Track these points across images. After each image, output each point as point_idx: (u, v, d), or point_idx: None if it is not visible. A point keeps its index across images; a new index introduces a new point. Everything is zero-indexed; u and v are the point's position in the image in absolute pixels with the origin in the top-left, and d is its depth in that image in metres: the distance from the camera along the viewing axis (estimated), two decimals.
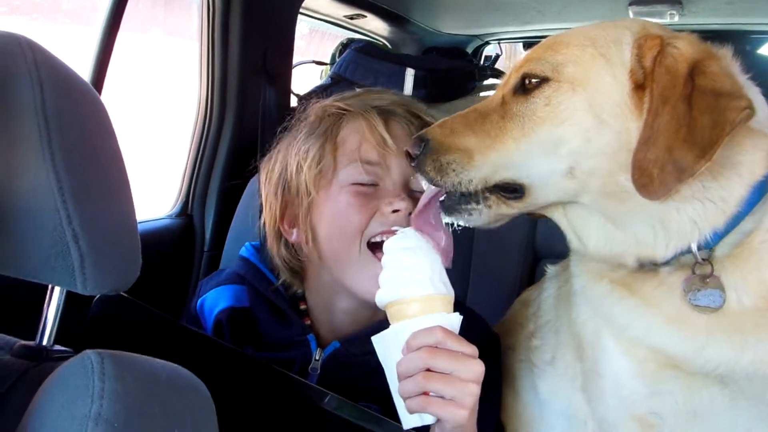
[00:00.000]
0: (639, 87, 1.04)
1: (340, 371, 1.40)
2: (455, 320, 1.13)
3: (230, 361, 1.34)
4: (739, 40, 3.21)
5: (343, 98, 1.49)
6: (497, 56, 3.68)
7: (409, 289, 1.13)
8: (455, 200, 1.14)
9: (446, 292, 1.15)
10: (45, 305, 0.97)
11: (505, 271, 2.20)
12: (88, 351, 0.81)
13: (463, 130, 1.13)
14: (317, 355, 1.41)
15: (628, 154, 1.02)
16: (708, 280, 1.07)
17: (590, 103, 1.05)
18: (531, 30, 3.49)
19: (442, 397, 1.07)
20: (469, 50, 3.60)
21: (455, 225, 1.18)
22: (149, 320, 1.44)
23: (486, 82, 2.93)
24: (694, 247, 1.06)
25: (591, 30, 1.13)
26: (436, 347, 1.07)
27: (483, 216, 1.14)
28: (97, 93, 0.96)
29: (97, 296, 1.39)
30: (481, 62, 3.63)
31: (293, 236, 1.45)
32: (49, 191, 0.84)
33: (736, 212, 1.05)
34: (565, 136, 1.06)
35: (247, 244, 1.59)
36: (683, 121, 0.98)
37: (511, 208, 1.14)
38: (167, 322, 1.43)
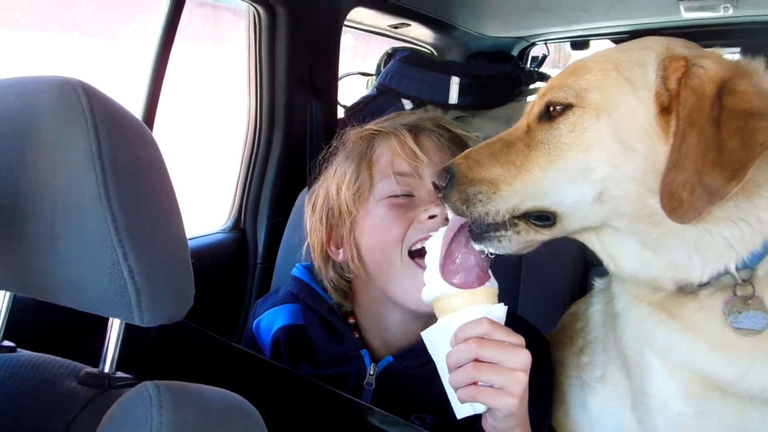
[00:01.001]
0: (665, 110, 1.02)
1: (395, 384, 1.44)
2: (500, 311, 1.15)
3: (285, 382, 1.38)
4: None
5: (375, 123, 1.55)
6: (544, 57, 3.62)
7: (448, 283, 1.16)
8: (483, 228, 1.13)
9: (489, 284, 1.17)
10: (107, 334, 1.02)
11: (556, 280, 2.17)
12: (147, 383, 0.84)
13: (488, 161, 1.12)
14: (371, 369, 1.45)
15: (657, 178, 1.00)
16: (749, 301, 1.04)
17: (616, 129, 1.04)
18: (578, 29, 3.43)
19: (491, 387, 1.10)
20: (515, 52, 3.56)
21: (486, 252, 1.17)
22: (206, 343, 1.50)
23: (533, 86, 2.90)
24: (732, 268, 1.03)
25: (614, 53, 1.11)
26: (483, 338, 1.10)
27: (513, 243, 1.13)
28: (149, 131, 1.00)
29: None
30: (528, 64, 3.58)
31: (340, 256, 1.50)
32: (106, 231, 0.87)
33: None
34: (592, 162, 1.04)
35: (298, 265, 1.64)
36: (712, 143, 0.96)
37: (541, 235, 1.13)
38: (223, 345, 1.48)
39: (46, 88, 0.90)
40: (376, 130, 1.51)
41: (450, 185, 1.13)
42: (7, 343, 1.11)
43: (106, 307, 0.93)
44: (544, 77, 2.87)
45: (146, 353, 1.43)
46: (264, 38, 2.36)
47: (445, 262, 1.17)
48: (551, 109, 1.10)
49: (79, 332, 1.27)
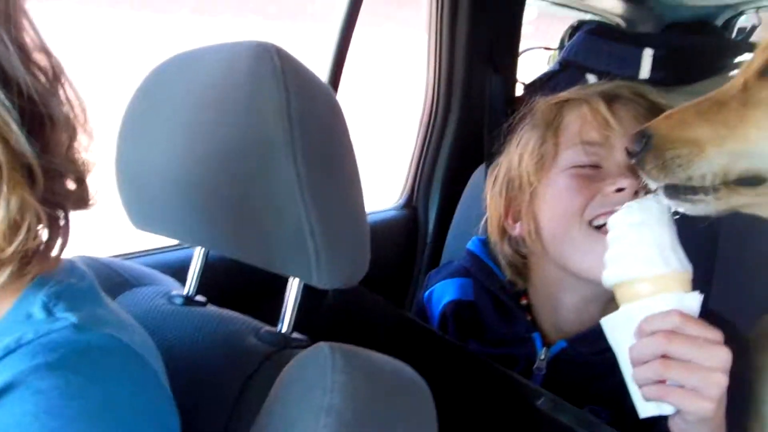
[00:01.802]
0: None
1: (568, 372, 1.35)
2: (693, 301, 1.00)
3: (453, 356, 1.35)
4: None
5: (568, 91, 1.46)
6: (753, 27, 3.21)
7: (638, 267, 1.02)
8: (679, 188, 1.00)
9: (681, 268, 1.02)
10: (286, 295, 1.05)
11: (757, 273, 1.93)
12: (322, 344, 0.85)
13: (694, 121, 0.98)
14: (543, 354, 1.37)
15: None
16: None
17: None
18: None
19: (682, 387, 0.96)
20: (719, 22, 3.19)
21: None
22: (379, 311, 1.52)
23: (739, 59, 2.59)
24: None
25: None
26: (674, 332, 0.96)
27: (710, 207, 0.99)
28: (335, 95, 1.01)
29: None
30: (735, 35, 3.21)
31: (516, 230, 1.44)
32: (292, 189, 0.89)
33: None
34: None
35: (474, 238, 1.60)
36: None
37: (743, 197, 0.98)
38: (396, 314, 1.49)
39: (244, 52, 0.94)
40: (566, 98, 1.42)
41: (646, 149, 1.01)
42: (199, 297, 1.19)
43: (286, 266, 0.96)
44: (754, 49, 2.54)
45: (323, 318, 1.47)
46: (446, 13, 2.32)
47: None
48: None
49: (263, 292, 1.33)
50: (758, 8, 3.17)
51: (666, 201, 1.04)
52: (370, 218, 2.32)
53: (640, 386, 1.01)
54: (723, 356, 0.96)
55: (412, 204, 2.49)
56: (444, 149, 2.43)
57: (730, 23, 3.28)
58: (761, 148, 0.94)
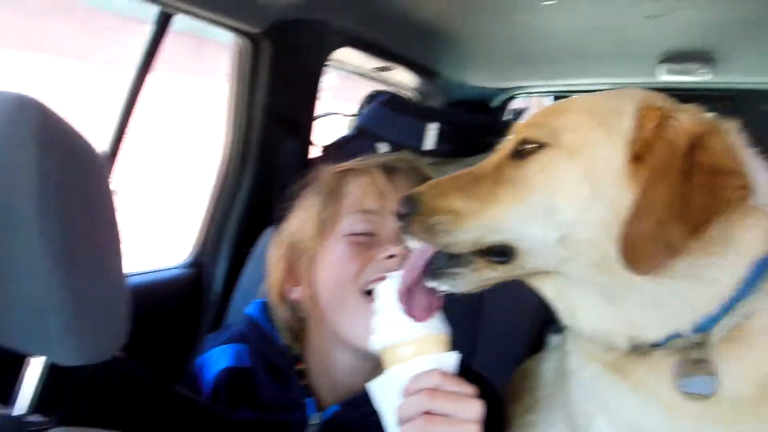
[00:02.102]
0: (637, 158, 1.00)
1: None
2: (452, 360, 1.11)
3: (221, 427, 1.30)
4: None
5: (350, 162, 1.54)
6: (523, 110, 3.66)
7: (401, 332, 1.11)
8: (442, 263, 1.10)
9: (441, 331, 1.13)
10: (22, 371, 0.94)
11: (514, 336, 2.12)
12: (59, 429, 0.78)
13: (453, 193, 1.09)
14: (314, 419, 1.39)
15: (621, 227, 0.98)
16: (701, 365, 1.00)
17: (587, 172, 1.02)
18: (559, 84, 3.48)
19: None
20: (496, 103, 3.58)
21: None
22: (143, 382, 1.41)
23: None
24: (686, 330, 1.00)
25: (593, 98, 1.11)
26: (436, 389, 1.06)
27: (468, 281, 1.10)
28: (101, 159, 0.96)
29: None
30: (509, 116, 3.60)
31: (295, 294, 1.46)
32: (36, 257, 0.82)
33: (732, 293, 0.99)
34: (560, 204, 1.02)
35: (254, 301, 1.59)
36: (678, 196, 0.94)
37: (496, 272, 1.09)
38: (160, 386, 1.40)
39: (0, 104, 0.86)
40: (348, 168, 1.50)
41: (412, 212, 1.10)
42: None
43: (26, 342, 0.87)
44: None
45: (80, 392, 1.34)
46: (246, 72, 2.33)
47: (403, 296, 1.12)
48: (524, 147, 1.08)
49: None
50: (527, 94, 3.62)
51: (428, 283, 1.12)
52: (153, 276, 2.22)
53: None
54: (478, 409, 1.07)
55: (198, 262, 2.41)
56: (236, 209, 2.39)
57: (505, 104, 3.69)
58: (508, 224, 1.06)
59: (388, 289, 1.15)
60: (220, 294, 2.34)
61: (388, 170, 1.46)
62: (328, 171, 1.53)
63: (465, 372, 1.14)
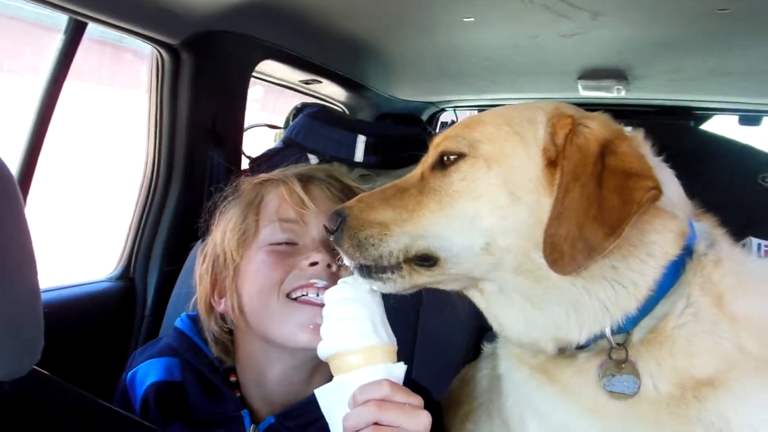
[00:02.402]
0: (552, 164, 1.06)
1: None
2: (400, 370, 1.12)
3: None
4: (683, 115, 3.35)
5: (268, 173, 1.54)
6: (453, 122, 3.74)
7: (351, 340, 1.11)
8: (372, 268, 1.13)
9: (389, 341, 1.13)
10: None
11: (451, 342, 2.17)
12: None
13: (380, 205, 1.13)
14: (251, 431, 1.37)
15: (541, 231, 1.02)
16: (623, 365, 1.05)
17: (505, 179, 1.06)
18: (486, 99, 3.58)
19: None
20: (425, 117, 3.66)
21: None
22: (68, 397, 1.37)
23: None
24: (607, 331, 1.05)
25: (507, 110, 1.15)
26: (384, 400, 1.06)
27: (397, 284, 1.13)
28: (7, 169, 0.92)
29: None
30: (437, 129, 3.68)
31: (222, 306, 1.45)
32: None
33: (649, 295, 1.04)
34: (481, 211, 1.06)
35: (183, 315, 1.56)
36: (593, 198, 0.99)
37: (424, 277, 1.13)
38: (88, 401, 1.35)
39: None
40: (267, 178, 1.50)
41: (341, 229, 1.12)
42: None
43: None
44: None
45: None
46: (166, 83, 2.29)
47: None
48: (445, 158, 1.12)
49: None
50: (455, 107, 3.71)
51: (359, 280, 1.15)
52: (81, 289, 2.15)
53: None
54: (425, 420, 1.08)
55: (128, 275, 2.34)
56: (165, 221, 2.35)
57: (434, 118, 3.77)
58: (434, 231, 1.09)
59: (336, 296, 1.16)
60: (153, 307, 2.29)
61: (306, 179, 1.47)
62: (247, 182, 1.54)
63: (406, 382, 1.14)
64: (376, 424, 1.05)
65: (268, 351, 1.39)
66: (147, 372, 1.45)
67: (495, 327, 1.17)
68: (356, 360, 1.10)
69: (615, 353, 1.06)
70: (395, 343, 1.15)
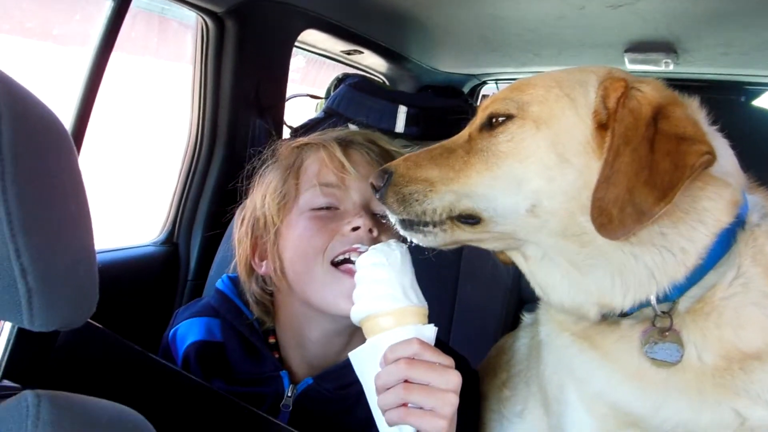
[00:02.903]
0: (602, 127, 1.05)
1: (315, 408, 1.40)
2: (430, 331, 1.14)
3: (199, 396, 1.31)
4: (734, 90, 3.24)
5: (306, 137, 1.55)
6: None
7: (382, 302, 1.14)
8: (414, 221, 1.14)
9: (419, 303, 1.16)
10: None
11: (488, 315, 2.18)
12: (27, 392, 0.78)
13: (426, 164, 1.13)
14: (290, 391, 1.41)
15: (589, 194, 1.02)
16: (666, 333, 1.04)
17: (553, 141, 1.06)
18: (528, 71, 3.52)
19: (421, 408, 1.08)
20: (466, 89, 3.62)
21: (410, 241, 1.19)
22: (118, 351, 1.42)
23: None
24: (653, 299, 1.04)
25: (558, 73, 1.15)
26: (414, 359, 1.09)
27: (438, 238, 1.14)
28: (64, 128, 0.94)
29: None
30: (478, 102, 3.64)
31: (263, 268, 1.47)
32: (1, 223, 0.82)
33: (698, 264, 1.03)
34: (528, 173, 1.06)
35: (224, 276, 1.60)
36: (644, 162, 0.98)
37: (465, 234, 1.13)
38: (136, 353, 1.40)
39: None
40: (306, 143, 1.51)
41: (387, 185, 1.13)
42: None
43: None
44: None
45: (53, 361, 1.35)
46: (211, 52, 2.32)
47: None
48: (493, 120, 1.12)
49: None
50: (496, 80, 3.66)
51: (401, 232, 1.17)
52: (126, 253, 2.22)
53: (384, 411, 1.10)
54: (455, 379, 1.09)
55: (173, 240, 2.41)
56: (208, 187, 2.40)
57: (475, 91, 3.73)
58: (479, 191, 1.09)
59: (368, 260, 1.18)
60: (196, 272, 2.35)
61: (345, 144, 1.47)
62: (286, 146, 1.54)
63: (441, 348, 1.15)
64: (406, 381, 1.08)
65: (309, 314, 1.41)
66: (187, 331, 1.50)
67: (537, 291, 1.17)
68: (387, 322, 1.13)
69: (659, 321, 1.05)
70: (426, 306, 1.18)
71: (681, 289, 1.04)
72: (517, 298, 2.22)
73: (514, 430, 1.33)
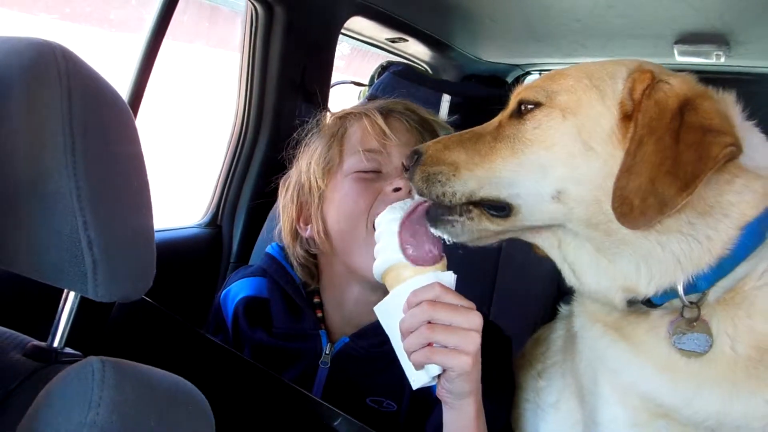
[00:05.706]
0: (627, 118, 1.05)
1: (351, 365, 1.47)
2: (450, 277, 1.18)
3: (242, 369, 1.37)
4: None
5: (348, 107, 1.64)
6: None
7: (400, 254, 1.18)
8: (439, 211, 1.16)
9: (438, 253, 1.20)
10: (60, 307, 0.99)
11: (527, 305, 2.18)
12: (92, 357, 0.82)
13: (456, 147, 1.15)
14: (327, 349, 1.49)
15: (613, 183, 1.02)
16: (695, 324, 1.05)
17: (579, 130, 1.07)
18: (573, 62, 3.44)
19: (445, 347, 1.11)
20: (510, 79, 3.59)
21: (445, 239, 1.20)
22: (168, 325, 1.48)
23: None
24: (679, 288, 1.04)
25: (590, 65, 1.16)
26: (435, 301, 1.13)
27: (465, 229, 1.15)
28: (127, 107, 0.98)
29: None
30: None
31: (307, 232, 1.55)
32: (69, 197, 0.86)
33: (724, 254, 1.02)
34: (553, 160, 1.07)
35: (273, 243, 1.69)
36: (668, 153, 0.98)
37: (494, 225, 1.14)
38: (185, 328, 1.46)
39: (24, 48, 0.88)
40: (349, 112, 1.59)
41: (416, 164, 1.16)
42: None
43: (58, 277, 0.91)
44: None
45: (107, 332, 1.41)
46: (259, 37, 2.36)
47: (401, 231, 1.19)
48: (522, 107, 1.14)
49: (37, 305, 1.24)
50: (541, 71, 3.62)
51: (432, 230, 1.19)
52: (172, 233, 2.28)
53: (410, 354, 1.14)
54: (477, 320, 1.13)
55: (216, 223, 2.46)
56: (252, 172, 2.45)
57: (519, 81, 3.70)
58: (504, 177, 1.11)
59: (386, 217, 1.22)
60: (238, 254, 2.41)
61: (386, 112, 1.54)
62: (330, 116, 1.63)
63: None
64: (429, 323, 1.12)
65: (349, 276, 1.49)
66: (239, 290, 1.62)
67: (569, 278, 1.18)
68: (407, 271, 1.18)
69: (687, 312, 1.06)
70: (444, 256, 1.22)
71: (708, 279, 1.04)
72: (555, 290, 2.21)
73: (549, 421, 1.34)
